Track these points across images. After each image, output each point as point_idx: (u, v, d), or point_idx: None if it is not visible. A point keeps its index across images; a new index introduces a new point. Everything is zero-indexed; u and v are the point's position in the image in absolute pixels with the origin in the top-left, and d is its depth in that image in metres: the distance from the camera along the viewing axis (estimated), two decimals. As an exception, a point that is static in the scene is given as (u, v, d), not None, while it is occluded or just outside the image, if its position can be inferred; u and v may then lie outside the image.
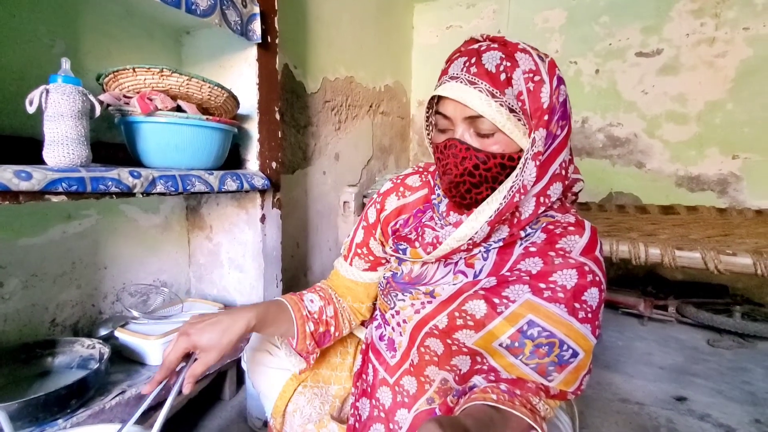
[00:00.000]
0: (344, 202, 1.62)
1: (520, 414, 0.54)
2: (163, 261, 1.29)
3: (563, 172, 0.61)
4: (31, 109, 0.75)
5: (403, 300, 0.70)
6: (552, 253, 0.60)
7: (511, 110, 0.55)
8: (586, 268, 0.59)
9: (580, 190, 0.75)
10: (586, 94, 2.36)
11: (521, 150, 0.58)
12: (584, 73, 2.36)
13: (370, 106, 2.13)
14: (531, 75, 0.55)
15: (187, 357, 0.61)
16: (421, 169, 0.79)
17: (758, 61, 2.00)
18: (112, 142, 1.06)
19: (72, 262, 1.05)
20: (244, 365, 1.10)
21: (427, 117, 0.66)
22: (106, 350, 0.91)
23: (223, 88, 1.01)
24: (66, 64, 0.79)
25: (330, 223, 1.83)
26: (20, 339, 0.95)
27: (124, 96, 0.94)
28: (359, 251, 0.78)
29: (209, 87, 0.98)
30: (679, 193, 2.20)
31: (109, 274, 1.14)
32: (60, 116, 0.76)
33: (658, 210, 2.06)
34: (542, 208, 0.61)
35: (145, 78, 0.92)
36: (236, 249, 1.27)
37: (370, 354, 0.77)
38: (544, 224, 0.63)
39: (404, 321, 0.70)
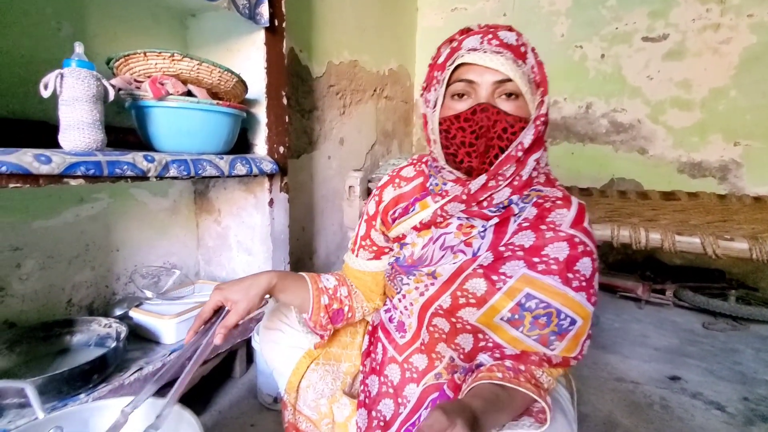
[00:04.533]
0: (349, 187, 1.63)
1: (525, 390, 0.57)
2: (173, 243, 1.32)
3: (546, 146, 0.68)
4: (46, 93, 0.76)
5: (408, 284, 0.73)
6: (543, 227, 0.64)
7: (529, 80, 0.62)
8: (576, 240, 0.62)
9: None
10: (591, 79, 2.35)
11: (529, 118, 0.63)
12: (589, 58, 2.34)
13: (374, 91, 2.13)
14: (536, 53, 0.63)
15: (219, 312, 0.68)
16: (414, 161, 0.82)
17: (762, 48, 1.99)
18: (122, 126, 1.07)
19: (85, 244, 1.08)
20: (254, 344, 1.14)
21: (433, 91, 0.66)
22: (124, 329, 0.94)
23: (232, 72, 1.02)
24: (80, 48, 0.80)
25: (335, 207, 1.85)
26: (39, 318, 0.98)
27: (135, 80, 0.95)
28: (363, 243, 0.82)
29: (219, 72, 0.99)
30: (680, 180, 2.22)
31: (121, 256, 1.17)
32: (75, 100, 0.77)
33: (659, 196, 2.08)
34: (535, 173, 0.65)
35: (156, 62, 0.92)
36: (244, 232, 1.30)
37: (380, 334, 0.80)
38: (534, 199, 0.66)
39: (411, 304, 0.73)
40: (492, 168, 0.62)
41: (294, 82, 1.54)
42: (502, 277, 0.63)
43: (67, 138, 0.77)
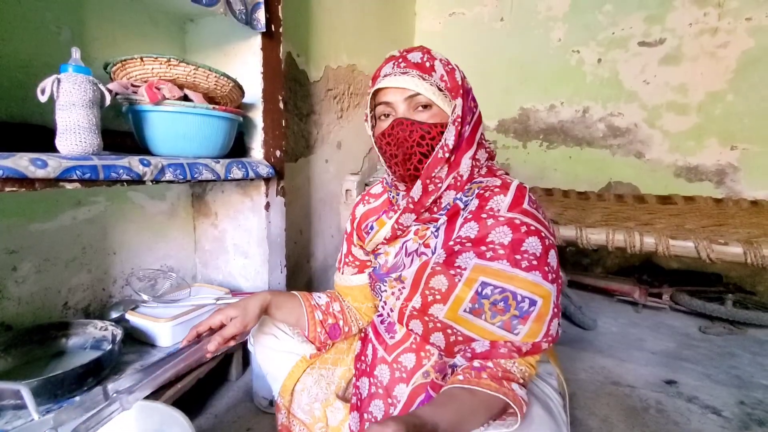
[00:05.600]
0: (346, 190, 1.64)
1: (484, 388, 0.58)
2: (170, 247, 1.32)
3: (485, 142, 0.74)
4: (43, 98, 0.77)
5: (385, 290, 0.76)
6: (483, 216, 0.67)
7: (439, 89, 0.68)
8: (517, 221, 0.65)
9: (493, 151, 0.82)
10: (588, 83, 2.36)
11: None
12: (586, 62, 2.35)
13: (372, 94, 2.14)
14: (445, 64, 0.70)
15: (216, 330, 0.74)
16: (382, 180, 0.87)
17: (759, 51, 2.00)
18: (119, 130, 1.08)
19: (82, 247, 1.08)
20: (250, 347, 1.14)
21: (369, 116, 0.75)
22: (119, 332, 0.94)
23: (228, 77, 1.03)
24: (77, 53, 0.81)
25: (332, 210, 1.86)
26: (34, 321, 0.98)
27: (132, 85, 0.95)
28: (347, 260, 0.88)
29: (215, 76, 1.00)
30: (677, 183, 2.22)
31: (118, 259, 1.17)
32: (72, 105, 0.78)
33: (655, 200, 2.09)
34: (476, 170, 0.70)
35: (152, 67, 0.93)
36: (241, 235, 1.30)
37: (371, 335, 0.81)
38: (476, 191, 0.70)
39: (392, 309, 0.75)
40: (423, 172, 0.68)
41: (291, 87, 1.55)
42: (458, 270, 0.65)
43: (64, 142, 0.78)
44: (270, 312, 0.80)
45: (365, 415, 0.74)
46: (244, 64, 1.21)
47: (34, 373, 0.85)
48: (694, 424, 1.16)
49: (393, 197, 0.78)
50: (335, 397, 0.79)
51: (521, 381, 0.61)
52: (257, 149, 1.24)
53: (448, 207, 0.70)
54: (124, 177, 0.82)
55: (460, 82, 0.69)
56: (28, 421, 0.58)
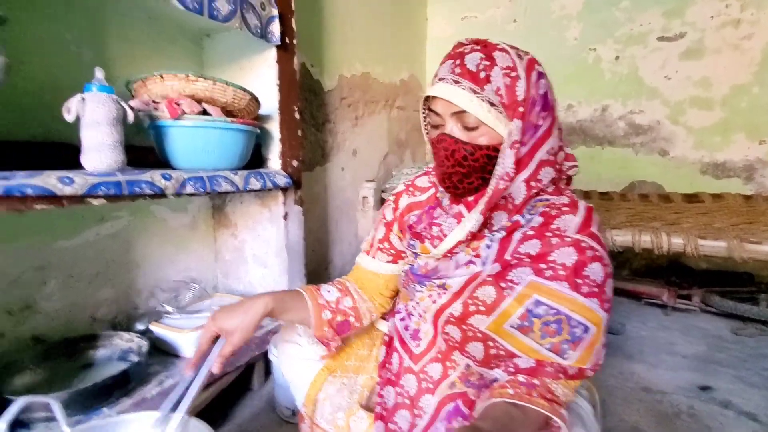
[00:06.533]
0: (363, 197, 1.64)
1: (538, 407, 0.56)
2: (192, 258, 1.34)
3: (552, 158, 0.65)
4: (69, 118, 0.80)
5: (421, 291, 0.73)
6: (548, 234, 0.63)
7: (492, 104, 0.60)
8: (584, 245, 0.61)
9: (573, 174, 0.77)
10: (606, 81, 2.31)
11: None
12: (604, 60, 2.31)
13: (386, 101, 2.14)
14: (508, 71, 0.60)
15: (216, 341, 0.68)
16: (430, 171, 0.83)
17: (787, 41, 1.93)
18: (141, 145, 1.10)
19: (106, 261, 1.11)
20: (271, 357, 1.15)
21: (424, 116, 0.71)
22: (145, 343, 0.96)
23: (245, 90, 1.04)
24: (100, 73, 0.83)
25: (349, 218, 1.86)
26: (64, 334, 1.01)
27: (153, 101, 0.98)
28: (381, 246, 0.83)
29: (233, 90, 1.01)
30: (704, 181, 2.15)
31: (142, 272, 1.20)
32: (96, 123, 0.80)
33: (681, 198, 2.02)
34: (534, 191, 0.64)
35: (172, 84, 0.96)
36: (260, 245, 1.32)
37: (396, 344, 0.80)
38: (540, 209, 0.66)
39: (424, 311, 0.73)
40: (483, 208, 0.63)
41: (307, 97, 1.57)
42: (510, 283, 0.63)
43: (89, 159, 0.80)
44: (274, 316, 0.74)
45: (390, 425, 0.73)
46: (260, 76, 1.22)
47: (64, 385, 0.87)
48: (729, 429, 1.11)
49: (441, 197, 0.74)
50: (358, 406, 0.78)
51: (564, 404, 0.59)
52: (274, 160, 1.25)
53: (502, 230, 0.65)
54: (147, 192, 0.84)
55: (522, 96, 0.60)
56: (59, 434, 0.60)
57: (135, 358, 0.91)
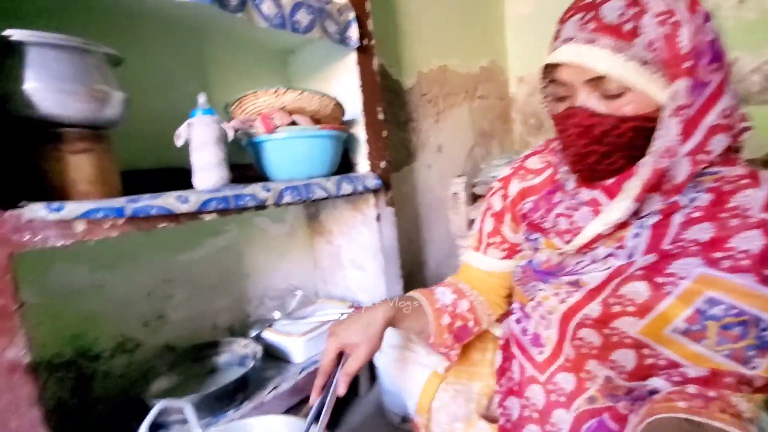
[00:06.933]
0: (453, 194, 1.57)
1: (722, 424, 0.44)
2: (292, 266, 1.40)
3: (726, 122, 0.51)
4: (179, 143, 0.86)
5: (544, 290, 0.64)
6: (724, 215, 0.50)
7: (644, 62, 0.48)
8: None
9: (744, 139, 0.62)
10: (730, 30, 1.94)
11: (660, 107, 0.50)
12: (724, 6, 1.95)
13: (466, 92, 2.05)
14: (664, 18, 0.48)
15: (339, 358, 0.64)
16: (540, 149, 0.73)
17: None
18: (242, 163, 1.17)
19: (221, 272, 1.19)
20: (376, 362, 1.13)
21: (543, 87, 0.60)
22: (259, 349, 1.00)
23: (330, 97, 1.05)
24: (202, 98, 0.89)
25: (439, 216, 1.80)
26: (191, 341, 1.10)
27: (249, 119, 1.03)
28: (491, 241, 0.75)
29: (318, 98, 1.03)
30: None
31: (252, 281, 1.27)
32: (203, 144, 0.86)
33: None
34: (700, 167, 0.51)
35: (264, 99, 0.99)
36: (355, 250, 1.32)
37: (514, 349, 0.72)
38: (708, 184, 0.52)
39: (549, 313, 0.63)
40: (635, 194, 0.52)
41: (387, 97, 1.55)
42: (671, 278, 0.50)
43: (199, 179, 0.86)
44: (393, 325, 0.69)
45: (515, 439, 0.66)
46: (342, 82, 1.23)
47: (194, 389, 0.94)
48: None
49: (563, 179, 0.64)
50: (477, 416, 0.72)
51: (749, 420, 0.47)
52: (363, 163, 1.25)
53: (655, 214, 0.54)
54: (251, 204, 0.87)
55: (686, 47, 0.47)
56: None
57: (251, 363, 0.96)
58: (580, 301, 0.58)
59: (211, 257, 1.17)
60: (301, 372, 1.02)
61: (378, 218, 1.24)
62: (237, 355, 1.06)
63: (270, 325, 1.15)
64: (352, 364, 0.61)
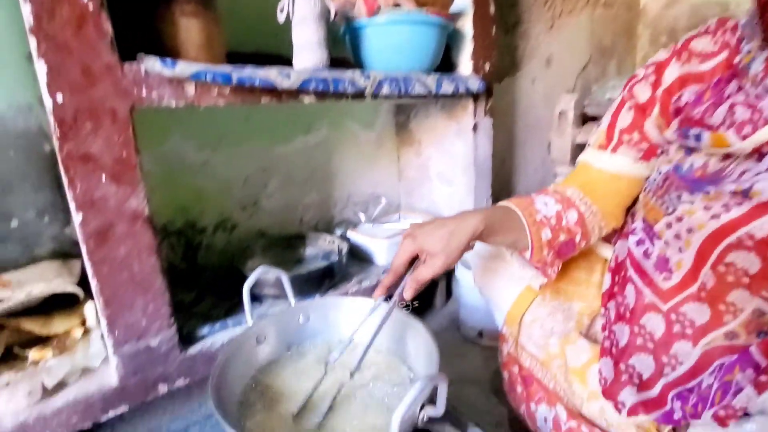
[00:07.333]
0: (560, 113, 1.39)
1: None
2: (378, 175, 1.37)
3: None
4: (282, 17, 0.82)
5: (691, 202, 0.53)
6: None
7: None
8: None
9: None
10: None
11: None
12: None
13: (589, -2, 1.74)
14: None
15: (414, 261, 0.59)
16: (711, 28, 0.57)
17: None
18: (335, 57, 1.11)
19: (312, 169, 1.20)
20: (457, 273, 1.11)
21: None
22: (345, 245, 1.02)
23: (441, -26, 0.92)
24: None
25: (538, 139, 1.63)
26: (280, 232, 1.15)
27: (349, 2, 0.95)
28: (627, 138, 0.63)
29: (429, -25, 0.90)
30: None
31: (338, 183, 1.27)
32: (304, 20, 0.81)
33: None
34: None
35: (369, -25, 0.89)
36: (445, 162, 1.25)
37: (630, 272, 0.62)
38: None
39: (689, 230, 0.53)
40: None
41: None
42: None
43: (299, 57, 0.82)
44: (481, 239, 0.60)
45: (621, 366, 0.59)
46: (453, -36, 1.07)
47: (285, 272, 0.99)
48: None
49: (744, 63, 0.50)
50: (578, 334, 0.66)
51: None
52: (465, 63, 1.12)
53: None
54: (349, 90, 0.82)
55: None
56: (284, 307, 0.65)
57: (336, 258, 0.98)
58: (742, 217, 0.47)
59: (303, 153, 1.17)
60: (383, 273, 1.03)
61: (475, 128, 1.14)
62: (322, 250, 1.09)
63: (355, 227, 1.16)
64: (424, 273, 0.56)
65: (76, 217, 0.58)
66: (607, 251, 0.72)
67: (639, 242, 0.62)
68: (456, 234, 0.56)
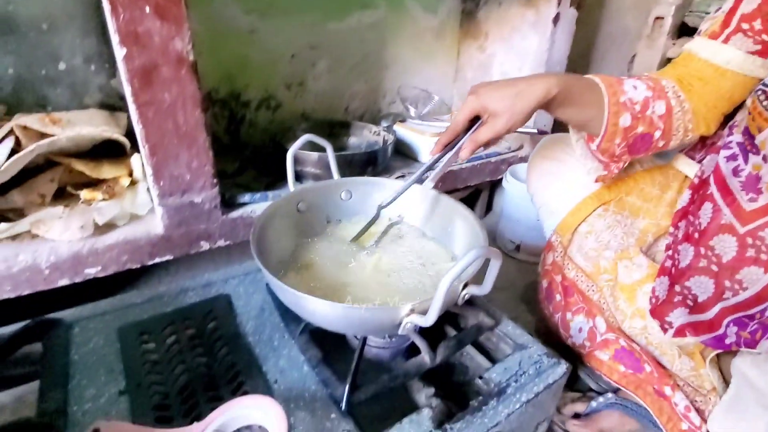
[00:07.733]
0: (656, 19, 1.18)
1: None
2: (432, 71, 1.26)
3: None
4: None
5: None
6: None
7: None
8: None
9: None
10: None
11: None
12: None
13: None
14: None
15: (475, 121, 0.53)
16: None
17: None
18: None
19: (363, 54, 1.10)
20: (505, 184, 1.04)
21: None
22: (390, 137, 0.96)
23: None
24: None
25: (620, 53, 1.42)
26: (324, 116, 1.10)
27: None
28: (745, 25, 0.50)
29: None
30: None
31: (389, 74, 1.18)
32: None
33: None
34: None
35: None
36: (512, 60, 1.11)
37: (713, 190, 0.54)
38: None
39: None
40: None
41: None
42: None
43: None
44: (550, 109, 0.53)
45: (677, 287, 0.54)
46: None
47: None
48: None
49: None
50: (638, 250, 0.61)
51: None
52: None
53: None
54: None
55: None
56: (328, 181, 0.63)
57: (381, 146, 0.93)
58: None
59: (357, 33, 1.07)
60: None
61: (556, 19, 0.98)
62: (366, 140, 1.04)
63: (403, 121, 1.09)
64: (485, 132, 0.51)
65: (119, 52, 0.55)
66: (688, 168, 0.64)
67: (730, 158, 0.53)
68: (524, 95, 0.50)
